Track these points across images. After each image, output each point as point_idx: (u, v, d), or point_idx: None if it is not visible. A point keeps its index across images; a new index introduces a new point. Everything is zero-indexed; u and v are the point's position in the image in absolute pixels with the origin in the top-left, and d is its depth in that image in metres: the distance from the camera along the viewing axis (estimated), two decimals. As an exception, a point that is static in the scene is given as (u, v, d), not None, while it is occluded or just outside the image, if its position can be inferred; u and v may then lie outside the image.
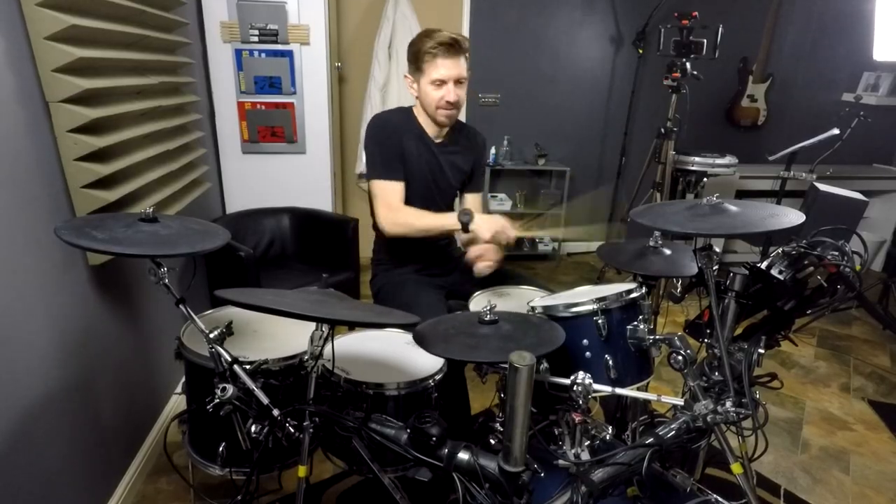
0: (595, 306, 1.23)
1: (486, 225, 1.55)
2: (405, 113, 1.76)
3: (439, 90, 1.62)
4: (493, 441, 1.15)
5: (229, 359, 1.14)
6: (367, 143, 1.70)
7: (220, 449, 1.33)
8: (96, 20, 1.44)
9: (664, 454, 1.06)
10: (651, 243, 1.54)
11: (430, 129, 1.74)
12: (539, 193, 3.93)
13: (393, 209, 1.65)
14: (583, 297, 1.31)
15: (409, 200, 1.72)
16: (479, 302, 1.60)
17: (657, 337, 1.23)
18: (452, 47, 1.57)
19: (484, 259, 1.59)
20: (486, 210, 3.78)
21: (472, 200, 1.88)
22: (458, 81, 1.62)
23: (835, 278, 1.14)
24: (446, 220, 1.60)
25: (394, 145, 1.67)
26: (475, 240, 1.59)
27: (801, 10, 3.92)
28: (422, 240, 1.74)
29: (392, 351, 1.43)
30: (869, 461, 2.06)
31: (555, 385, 1.12)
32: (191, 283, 1.42)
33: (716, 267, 1.17)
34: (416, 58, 1.62)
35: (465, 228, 1.55)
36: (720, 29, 2.87)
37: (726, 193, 3.60)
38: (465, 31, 3.54)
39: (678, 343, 1.16)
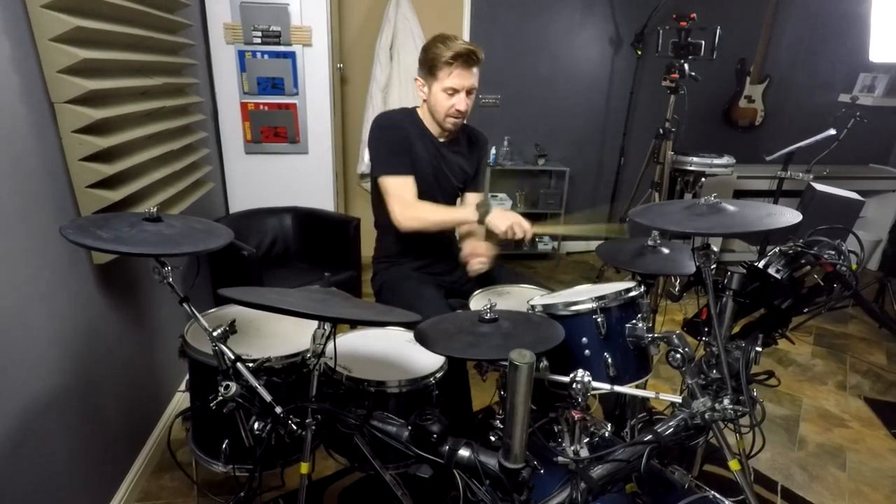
0: (594, 305, 1.24)
1: (502, 218, 1.55)
2: (409, 113, 1.78)
3: (451, 98, 1.64)
4: (493, 438, 1.16)
5: (232, 357, 1.15)
6: (373, 141, 1.69)
7: (224, 446, 1.33)
8: (101, 22, 1.45)
9: (662, 451, 1.07)
10: (650, 242, 1.55)
11: (434, 130, 1.76)
12: (539, 193, 3.95)
13: (407, 205, 1.64)
14: (582, 295, 1.32)
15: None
16: (479, 300, 1.61)
17: (656, 335, 1.25)
18: (469, 58, 1.59)
19: (476, 256, 1.65)
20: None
21: (472, 200, 1.89)
22: (468, 91, 1.65)
23: (831, 277, 1.15)
24: (462, 214, 1.63)
25: (401, 140, 1.68)
26: (471, 235, 1.63)
27: (799, 12, 3.93)
28: (423, 238, 1.76)
29: (393, 349, 1.44)
30: (865, 458, 2.07)
31: (554, 383, 1.13)
32: (194, 281, 1.43)
33: (714, 266, 1.19)
34: (432, 64, 1.62)
35: (482, 220, 1.56)
36: (718, 30, 2.89)
37: (724, 193, 3.61)
38: (466, 33, 3.55)
39: (676, 341, 1.18)
